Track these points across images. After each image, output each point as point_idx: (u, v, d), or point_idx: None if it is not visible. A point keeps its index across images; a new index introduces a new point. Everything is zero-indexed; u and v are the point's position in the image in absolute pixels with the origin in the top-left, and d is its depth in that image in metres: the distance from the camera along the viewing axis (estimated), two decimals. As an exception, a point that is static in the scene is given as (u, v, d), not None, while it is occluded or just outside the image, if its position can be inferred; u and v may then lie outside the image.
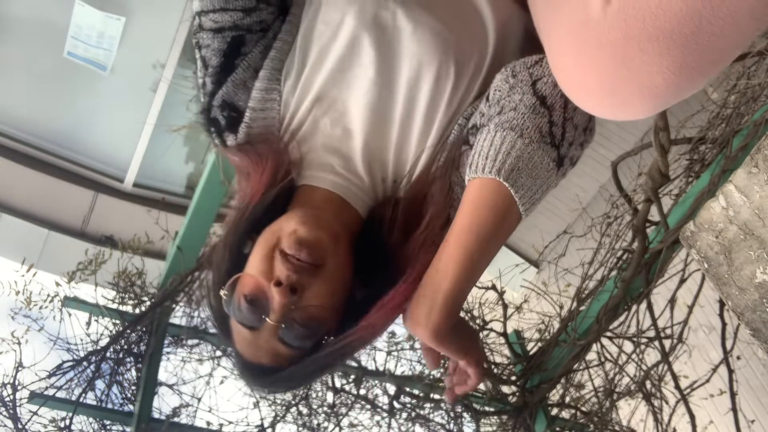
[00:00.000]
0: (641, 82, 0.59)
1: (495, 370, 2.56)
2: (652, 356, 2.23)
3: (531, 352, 2.54)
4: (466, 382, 0.83)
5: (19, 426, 2.19)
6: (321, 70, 0.87)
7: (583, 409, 2.52)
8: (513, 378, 2.50)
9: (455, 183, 0.86)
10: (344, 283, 0.80)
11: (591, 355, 2.34)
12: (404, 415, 2.80)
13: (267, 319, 0.75)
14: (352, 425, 2.81)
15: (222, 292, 0.79)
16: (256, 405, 2.77)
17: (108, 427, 2.47)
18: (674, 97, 0.60)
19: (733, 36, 0.56)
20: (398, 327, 3.24)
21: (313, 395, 2.82)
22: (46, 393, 2.33)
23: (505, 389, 2.58)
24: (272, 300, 0.74)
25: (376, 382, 2.82)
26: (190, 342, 2.84)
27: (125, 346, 2.61)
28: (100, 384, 2.53)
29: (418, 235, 0.82)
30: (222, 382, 2.84)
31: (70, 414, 2.30)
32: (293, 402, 2.79)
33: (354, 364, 2.79)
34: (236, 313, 0.77)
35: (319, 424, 2.80)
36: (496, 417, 2.61)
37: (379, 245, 0.84)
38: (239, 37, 0.85)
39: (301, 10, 0.89)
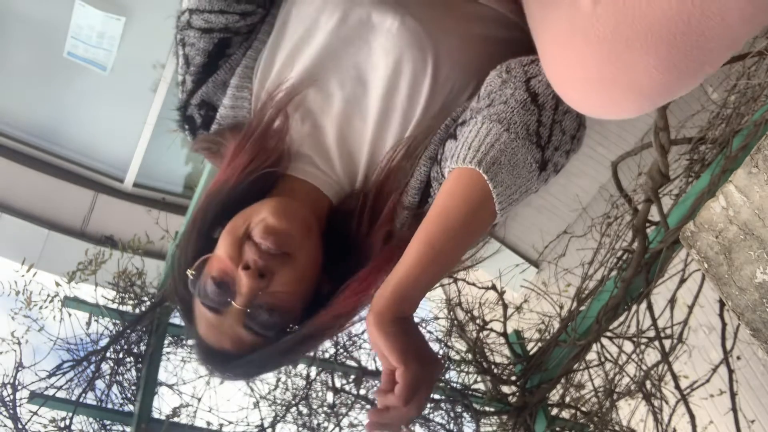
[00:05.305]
0: (627, 80, 0.57)
1: (495, 370, 2.56)
2: (652, 356, 2.23)
3: (531, 352, 2.54)
4: (388, 406, 0.68)
5: (19, 426, 2.19)
6: (294, 65, 0.85)
7: (583, 409, 2.52)
8: (513, 378, 2.49)
9: (434, 179, 0.83)
10: (312, 274, 0.80)
11: (591, 355, 2.33)
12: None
13: (233, 302, 0.75)
14: (352, 425, 2.81)
15: (189, 272, 0.79)
16: (256, 405, 2.77)
17: (108, 427, 2.46)
18: (662, 97, 0.59)
19: (723, 37, 0.54)
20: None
21: (313, 395, 2.82)
22: (46, 393, 2.32)
23: (505, 389, 2.58)
24: (239, 284, 0.74)
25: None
26: (190, 342, 2.84)
27: (125, 346, 2.61)
28: (100, 384, 2.53)
29: (380, 225, 0.82)
30: (222, 382, 2.84)
31: (70, 414, 2.30)
32: (293, 402, 2.79)
33: (354, 364, 2.80)
34: (202, 294, 0.77)
35: (319, 424, 2.80)
36: (496, 417, 2.61)
37: (347, 237, 0.84)
38: (226, 39, 0.85)
39: (278, 9, 0.89)
